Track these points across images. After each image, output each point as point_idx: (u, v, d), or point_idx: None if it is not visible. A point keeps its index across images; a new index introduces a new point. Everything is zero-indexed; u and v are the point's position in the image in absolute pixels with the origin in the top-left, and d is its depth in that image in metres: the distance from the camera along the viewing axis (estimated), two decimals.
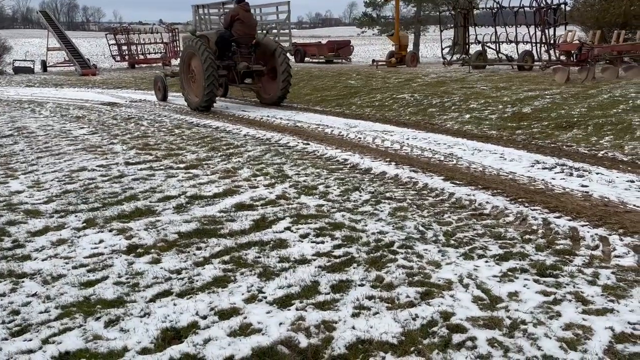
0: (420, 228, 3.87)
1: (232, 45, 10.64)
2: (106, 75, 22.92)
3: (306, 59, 26.16)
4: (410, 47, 23.28)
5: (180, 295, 2.92)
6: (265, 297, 2.89)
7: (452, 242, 3.62)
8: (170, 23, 37.32)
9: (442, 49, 19.14)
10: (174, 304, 2.81)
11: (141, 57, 28.38)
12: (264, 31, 11.60)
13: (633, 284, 2.94)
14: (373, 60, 20.97)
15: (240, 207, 4.40)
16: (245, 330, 2.57)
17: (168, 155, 6.43)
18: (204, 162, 6.04)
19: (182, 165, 5.89)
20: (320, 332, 2.54)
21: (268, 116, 9.76)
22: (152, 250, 3.51)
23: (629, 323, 2.55)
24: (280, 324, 2.61)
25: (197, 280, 3.09)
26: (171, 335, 2.53)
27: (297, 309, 2.75)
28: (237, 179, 5.28)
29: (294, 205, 4.38)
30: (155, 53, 28.53)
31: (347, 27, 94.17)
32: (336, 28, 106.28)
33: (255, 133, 7.98)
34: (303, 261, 3.33)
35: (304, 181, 5.15)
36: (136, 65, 27.49)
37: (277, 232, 3.81)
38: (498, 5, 16.59)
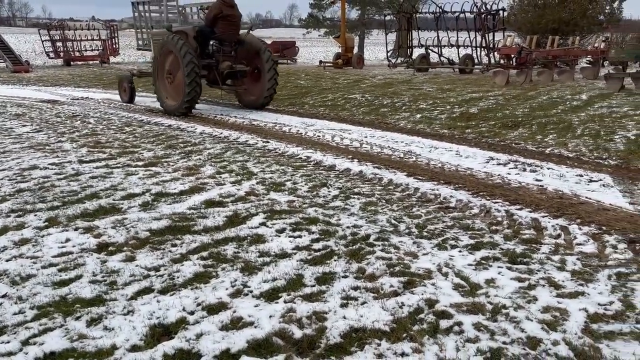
0: (393, 221, 3.96)
1: (213, 43, 9.73)
2: (40, 73, 21.71)
3: None
4: (355, 50, 23.65)
5: (163, 292, 2.84)
6: (251, 291, 2.86)
7: (425, 233, 3.72)
8: (106, 20, 35.89)
9: (387, 52, 19.57)
10: (158, 301, 2.73)
11: (77, 54, 27.10)
12: (248, 29, 10.82)
13: (597, 268, 3.15)
14: (320, 62, 21.14)
15: (210, 204, 4.32)
16: (236, 323, 2.53)
17: (123, 153, 6.21)
18: (162, 160, 5.88)
19: (140, 163, 5.70)
20: (312, 322, 2.55)
21: (222, 115, 9.62)
22: (125, 249, 3.39)
23: (599, 304, 2.72)
24: (271, 316, 2.60)
25: (177, 277, 3.01)
26: (160, 332, 2.46)
27: (285, 302, 2.74)
28: (201, 176, 5.18)
29: (265, 202, 4.36)
30: (92, 50, 27.35)
31: (290, 29, 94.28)
32: (278, 29, 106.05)
33: (212, 131, 7.85)
34: (284, 255, 3.32)
35: (271, 178, 5.13)
36: (72, 63, 26.24)
37: (252, 228, 3.77)
38: (440, 10, 17.20)
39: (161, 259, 3.26)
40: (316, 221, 3.91)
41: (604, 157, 6.02)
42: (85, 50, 27.40)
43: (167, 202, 4.35)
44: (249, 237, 3.61)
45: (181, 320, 2.55)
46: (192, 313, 2.62)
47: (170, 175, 5.18)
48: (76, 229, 3.69)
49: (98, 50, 27.22)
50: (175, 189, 4.71)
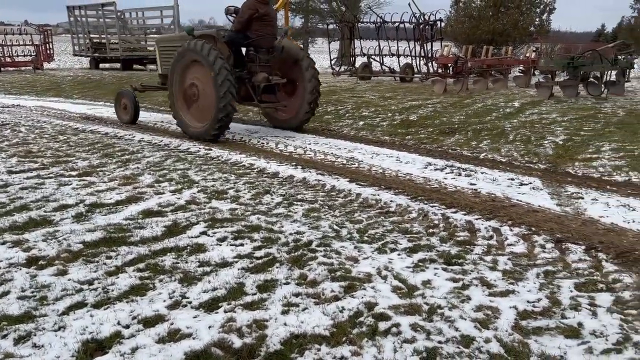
0: (335, 227, 4.00)
1: (248, 50, 7.84)
2: None
3: None
4: None
5: (97, 305, 2.74)
6: (190, 302, 2.81)
7: (366, 238, 3.79)
8: (40, 24, 34.22)
9: (331, 60, 19.79)
10: (91, 315, 2.63)
11: (8, 59, 25.70)
12: (284, 33, 9.28)
13: (527, 267, 3.31)
14: None
15: (148, 213, 4.21)
16: (174, 336, 2.48)
17: (56, 163, 5.94)
18: (98, 169, 5.67)
19: (74, 173, 5.48)
20: (252, 331, 2.54)
21: (162, 122, 9.40)
22: (56, 262, 3.24)
23: (528, 302, 2.86)
24: (210, 327, 2.56)
25: (112, 290, 2.91)
26: (93, 347, 2.37)
27: (225, 311, 2.71)
28: (140, 185, 5.04)
29: (206, 210, 4.29)
30: (24, 55, 26.02)
31: None
32: None
33: (151, 139, 7.66)
34: (225, 264, 3.28)
35: (213, 186, 5.06)
36: (2, 69, 24.86)
37: (192, 237, 3.71)
38: (381, 20, 17.59)
39: (95, 271, 3.14)
40: (259, 229, 3.89)
41: (534, 161, 6.35)
42: (17, 56, 26.04)
43: (102, 213, 4.20)
44: (188, 247, 3.54)
45: (116, 334, 2.47)
46: (127, 327, 2.54)
47: (106, 185, 5.01)
48: (3, 243, 3.49)
49: (31, 55, 25.94)
50: (111, 199, 4.55)
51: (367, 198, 4.80)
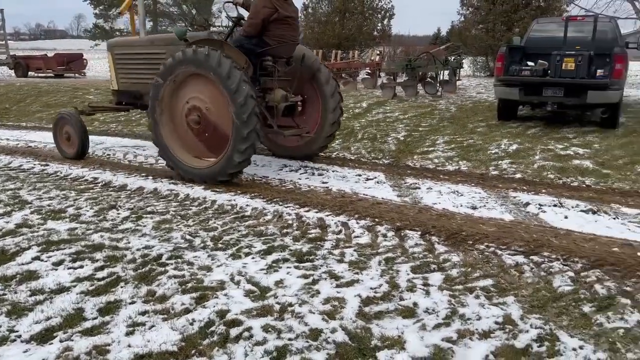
0: (188, 237, 3.90)
1: (263, 60, 5.84)
2: None
3: (30, 73, 23.12)
4: None
5: None
6: (20, 336, 2.53)
7: (220, 245, 3.75)
8: None
9: None
10: None
11: None
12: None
13: (370, 257, 3.54)
14: None
15: None
16: None
17: None
18: None
19: None
20: (92, 358, 2.36)
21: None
22: None
23: (371, 288, 3.06)
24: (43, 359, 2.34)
25: None
26: None
27: (61, 341, 2.49)
28: None
29: (40, 233, 3.90)
30: None
31: (78, 40, 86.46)
32: (63, 40, 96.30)
33: None
34: (61, 290, 3.01)
35: (49, 205, 4.62)
36: None
37: (23, 264, 3.34)
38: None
39: None
40: (101, 247, 3.64)
41: (379, 157, 6.81)
42: None
43: None
44: (18, 275, 3.19)
45: None
46: None
47: None
48: None
49: None
50: None
51: (222, 204, 4.75)
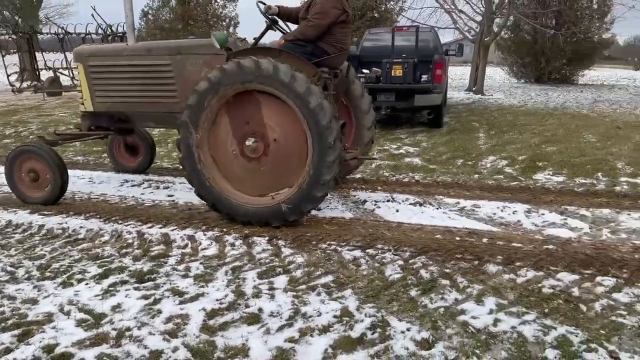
0: (9, 269, 3.48)
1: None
2: None
3: None
4: None
5: None
6: None
7: (48, 274, 3.41)
8: None
9: (8, 76, 17.23)
10: None
11: None
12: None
13: (217, 268, 3.49)
14: None
15: None
16: None
17: None
18: None
19: None
20: None
21: None
22: None
23: (216, 300, 3.02)
24: None
25: None
26: None
27: None
28: None
29: None
30: None
31: None
32: None
33: None
34: None
35: None
36: None
37: None
38: (63, 32, 16.14)
39: None
40: None
41: None
42: None
43: None
44: None
45: None
46: None
47: None
48: None
49: None
50: None
51: (52, 228, 4.33)
